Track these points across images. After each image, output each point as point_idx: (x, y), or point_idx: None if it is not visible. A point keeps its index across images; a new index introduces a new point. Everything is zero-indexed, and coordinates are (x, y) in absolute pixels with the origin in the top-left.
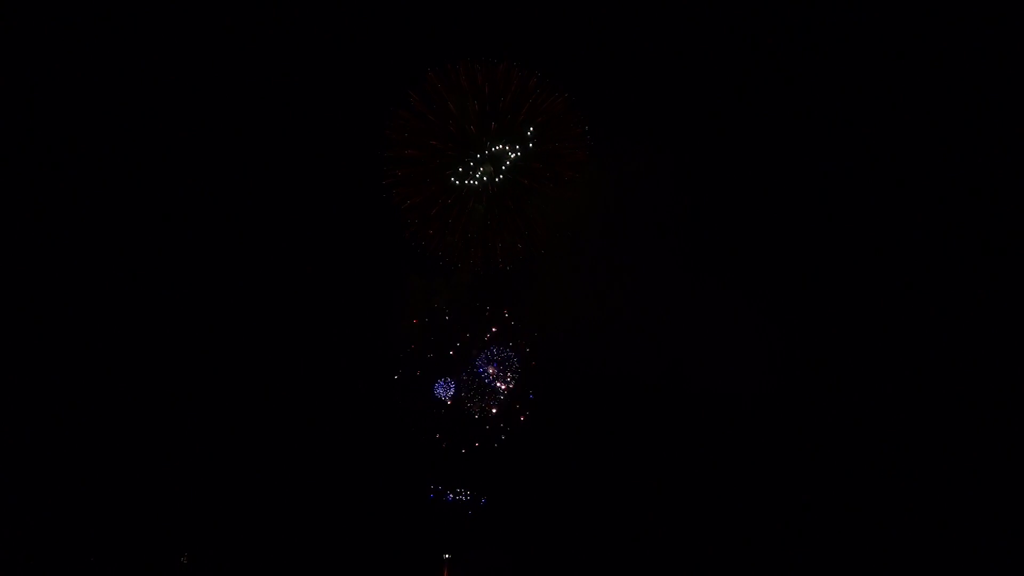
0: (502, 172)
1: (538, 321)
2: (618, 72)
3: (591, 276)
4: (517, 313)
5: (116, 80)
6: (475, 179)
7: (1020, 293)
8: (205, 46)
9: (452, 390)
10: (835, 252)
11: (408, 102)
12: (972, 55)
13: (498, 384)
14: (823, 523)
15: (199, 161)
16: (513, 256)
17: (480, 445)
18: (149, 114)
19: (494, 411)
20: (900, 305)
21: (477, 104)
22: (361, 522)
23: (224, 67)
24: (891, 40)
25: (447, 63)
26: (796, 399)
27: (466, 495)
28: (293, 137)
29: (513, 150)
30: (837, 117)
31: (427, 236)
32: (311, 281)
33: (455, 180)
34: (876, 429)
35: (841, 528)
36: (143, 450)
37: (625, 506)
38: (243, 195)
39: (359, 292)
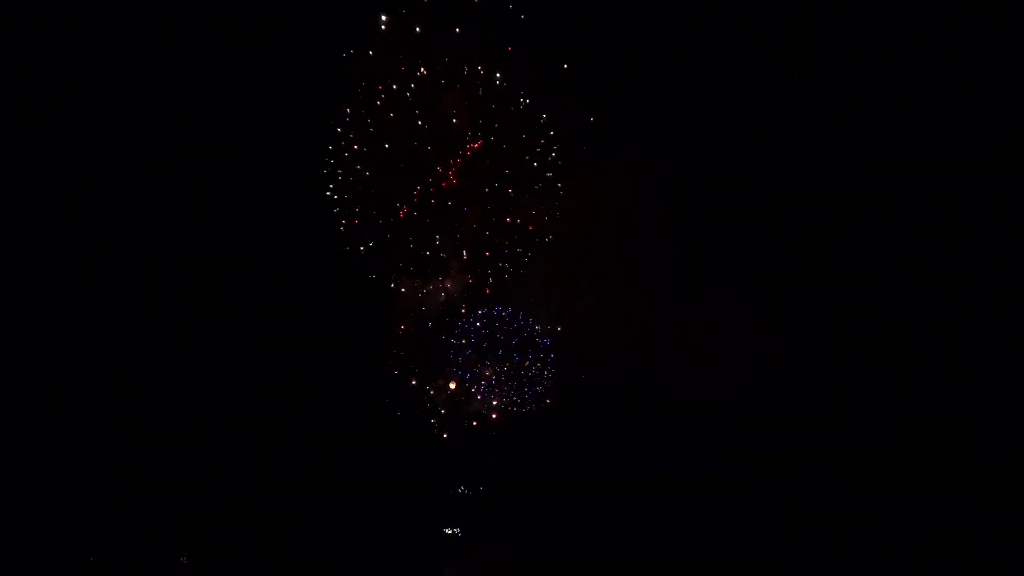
0: None
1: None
2: (611, 71)
3: (587, 277)
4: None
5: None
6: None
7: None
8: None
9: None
10: (834, 252)
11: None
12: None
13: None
14: (822, 524)
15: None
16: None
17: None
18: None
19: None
20: (900, 307)
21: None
22: (360, 522)
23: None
24: (890, 42)
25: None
26: (794, 400)
27: (465, 493)
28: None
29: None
30: (834, 117)
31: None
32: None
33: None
34: (875, 430)
35: (840, 529)
36: (143, 450)
37: (623, 507)
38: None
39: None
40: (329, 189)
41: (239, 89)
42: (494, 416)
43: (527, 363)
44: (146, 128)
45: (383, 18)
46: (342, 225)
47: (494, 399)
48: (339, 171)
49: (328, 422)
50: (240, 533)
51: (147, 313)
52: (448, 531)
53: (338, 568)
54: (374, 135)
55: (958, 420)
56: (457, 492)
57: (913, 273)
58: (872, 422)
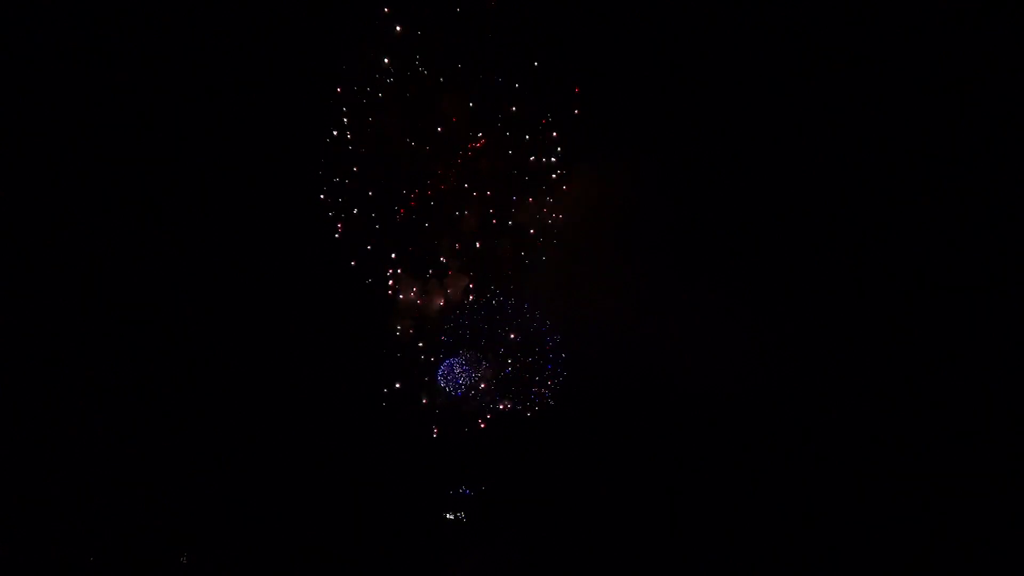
0: None
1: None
2: (612, 71)
3: (584, 276)
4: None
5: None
6: None
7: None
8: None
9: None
10: (834, 252)
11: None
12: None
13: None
14: (821, 523)
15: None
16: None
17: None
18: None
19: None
20: (900, 307)
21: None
22: (361, 522)
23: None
24: (889, 42)
25: None
26: (793, 399)
27: (465, 492)
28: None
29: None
30: (834, 117)
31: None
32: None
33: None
34: (875, 430)
35: (838, 529)
36: (143, 450)
37: (622, 507)
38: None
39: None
40: (326, 191)
41: (237, 88)
42: (495, 415)
43: (530, 361)
44: (145, 127)
45: (382, 17)
46: (338, 231)
47: (495, 398)
48: (335, 173)
49: (328, 422)
50: (240, 533)
51: (147, 313)
52: (450, 516)
53: (338, 568)
54: (373, 136)
55: (958, 420)
56: (457, 492)
57: (913, 273)
58: (872, 421)
